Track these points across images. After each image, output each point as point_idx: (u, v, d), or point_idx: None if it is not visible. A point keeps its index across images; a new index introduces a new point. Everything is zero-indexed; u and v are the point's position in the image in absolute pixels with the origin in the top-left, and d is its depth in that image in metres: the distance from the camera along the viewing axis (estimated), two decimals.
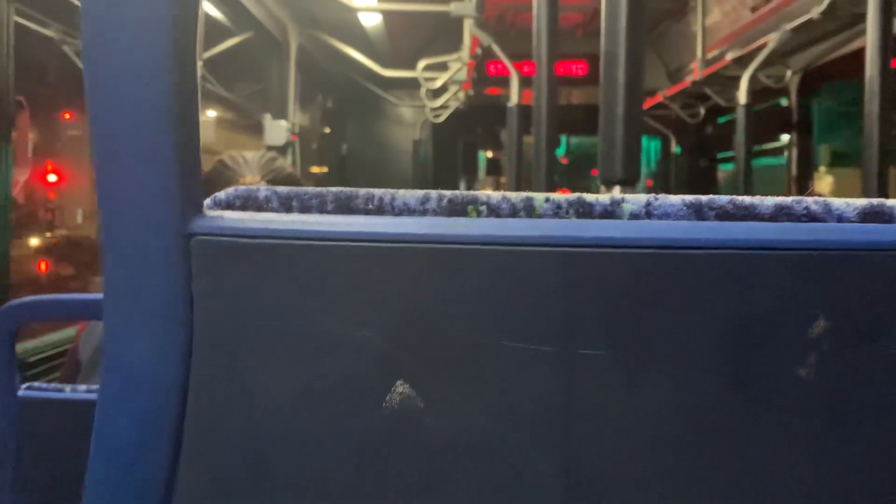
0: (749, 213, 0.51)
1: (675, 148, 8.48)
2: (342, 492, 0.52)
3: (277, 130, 5.48)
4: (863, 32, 3.11)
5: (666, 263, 0.49)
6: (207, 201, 0.57)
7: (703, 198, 0.52)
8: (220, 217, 0.54)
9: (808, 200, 0.51)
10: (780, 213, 0.51)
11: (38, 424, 1.05)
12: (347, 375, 0.52)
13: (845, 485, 0.49)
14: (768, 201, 0.51)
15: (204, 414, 0.54)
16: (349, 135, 8.92)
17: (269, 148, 5.20)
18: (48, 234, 5.45)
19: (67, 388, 1.06)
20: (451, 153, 9.07)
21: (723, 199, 0.52)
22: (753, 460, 0.49)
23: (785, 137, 6.14)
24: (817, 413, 0.49)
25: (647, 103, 6.59)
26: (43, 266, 5.26)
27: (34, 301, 1.06)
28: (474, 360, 0.51)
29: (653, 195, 0.52)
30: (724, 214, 0.51)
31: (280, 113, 5.67)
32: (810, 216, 0.51)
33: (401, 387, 0.51)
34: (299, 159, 5.86)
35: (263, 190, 0.57)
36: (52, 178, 5.01)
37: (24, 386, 1.06)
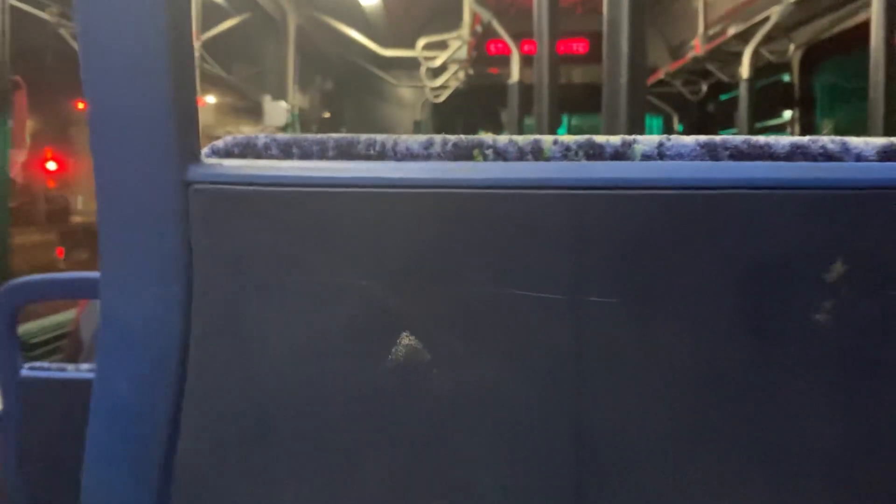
0: (764, 153, 0.50)
1: (677, 126, 8.44)
2: (347, 446, 0.51)
3: (277, 111, 5.45)
4: (867, 5, 3.07)
5: (679, 205, 0.47)
6: (205, 150, 0.55)
7: (717, 138, 0.50)
8: (219, 164, 0.53)
9: (825, 139, 0.50)
10: (796, 153, 0.49)
11: (40, 403, 1.05)
12: (351, 327, 0.50)
13: (862, 432, 0.48)
14: (784, 140, 0.50)
15: (205, 370, 0.52)
16: (349, 116, 8.88)
17: (268, 129, 5.18)
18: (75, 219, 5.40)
19: (70, 367, 1.06)
20: (452, 133, 9.01)
21: (737, 138, 0.50)
22: (769, 408, 0.48)
23: (787, 113, 6.10)
24: (835, 360, 0.47)
25: (649, 81, 6.55)
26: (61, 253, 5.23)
27: (34, 280, 1.05)
28: (481, 310, 0.49)
29: (665, 136, 0.51)
30: (738, 154, 0.50)
31: (279, 94, 5.64)
32: (827, 155, 0.49)
33: (406, 338, 0.50)
34: None
35: (263, 137, 0.55)
36: (51, 165, 4.98)
37: (26, 366, 1.06)
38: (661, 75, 6.62)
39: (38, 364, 1.07)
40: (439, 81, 6.74)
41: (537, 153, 0.51)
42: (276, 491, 0.51)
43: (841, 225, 0.46)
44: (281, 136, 0.55)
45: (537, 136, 0.52)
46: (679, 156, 0.50)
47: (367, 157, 0.53)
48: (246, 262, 0.51)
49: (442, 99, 7.26)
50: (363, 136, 0.54)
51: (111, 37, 0.50)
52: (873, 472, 0.48)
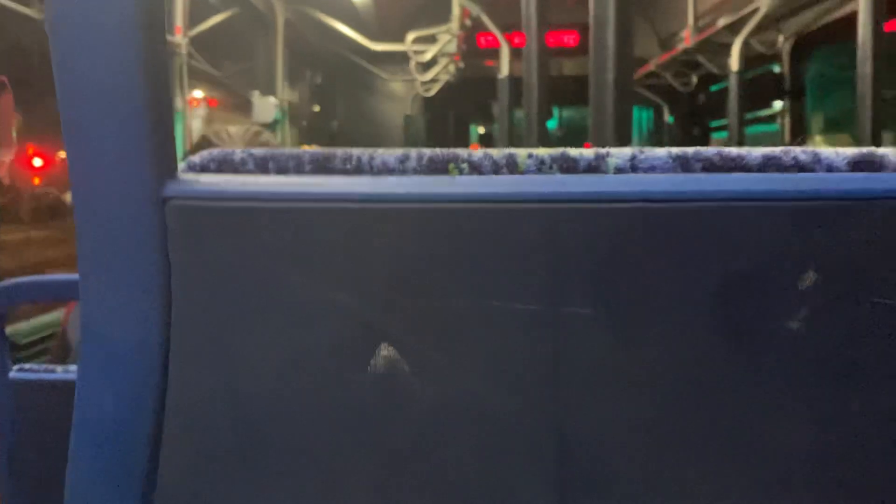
0: (736, 165, 0.50)
1: (667, 117, 8.46)
2: (329, 460, 0.52)
3: (266, 107, 5.44)
4: None
5: (652, 217, 0.48)
6: (182, 165, 0.55)
7: (690, 150, 0.51)
8: (196, 180, 0.53)
9: (797, 150, 0.50)
10: (769, 164, 0.50)
11: (30, 405, 1.05)
12: (331, 340, 0.51)
13: (838, 438, 0.49)
14: (756, 152, 0.50)
15: (186, 385, 0.53)
16: (339, 111, 8.87)
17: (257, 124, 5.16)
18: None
19: (59, 368, 1.05)
20: (443, 127, 9.03)
21: (709, 150, 0.51)
22: (746, 416, 0.49)
23: (778, 104, 6.12)
24: (810, 367, 0.48)
25: (639, 73, 6.55)
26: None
27: (22, 282, 1.05)
28: (459, 322, 0.50)
29: (638, 148, 0.51)
30: (710, 166, 0.50)
31: (268, 90, 5.63)
32: (799, 166, 0.50)
33: (385, 350, 0.50)
34: (289, 136, 5.82)
35: (239, 152, 0.55)
36: (37, 161, 4.94)
37: (15, 367, 1.05)
38: (651, 67, 6.63)
39: (27, 366, 1.07)
40: (429, 75, 6.74)
41: (512, 167, 0.52)
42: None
43: (813, 235, 0.47)
44: (257, 150, 0.55)
45: (512, 150, 0.52)
46: (652, 168, 0.51)
47: (344, 172, 0.53)
48: (225, 277, 0.51)
49: (432, 93, 7.25)
50: (339, 151, 0.54)
51: (85, 52, 0.50)
52: (848, 476, 0.49)
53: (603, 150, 0.51)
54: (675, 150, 0.51)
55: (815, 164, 0.49)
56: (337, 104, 8.82)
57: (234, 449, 0.52)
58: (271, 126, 5.33)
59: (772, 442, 0.49)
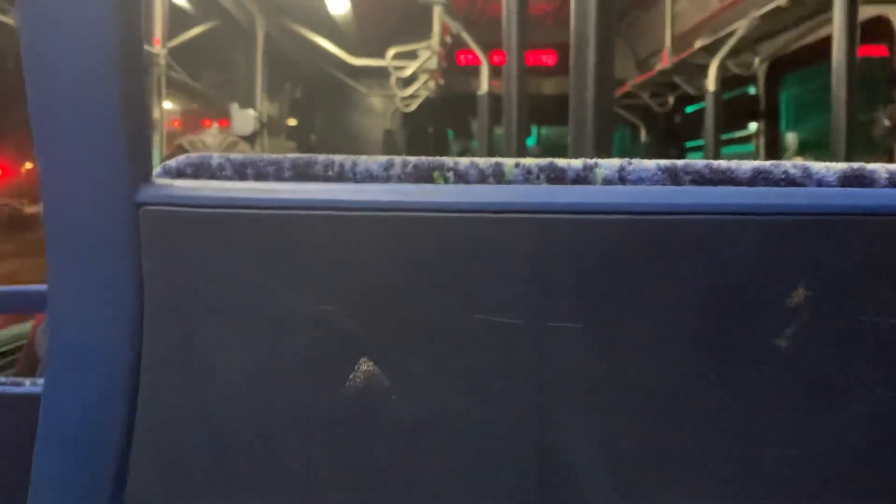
0: (726, 178, 0.50)
1: (644, 138, 8.53)
2: (305, 475, 0.50)
3: (245, 119, 5.41)
4: (830, 20, 3.13)
5: (640, 230, 0.47)
6: (157, 170, 0.54)
7: (679, 162, 0.50)
8: (171, 185, 0.51)
9: (787, 164, 0.50)
10: (758, 178, 0.49)
11: None
12: (309, 352, 0.49)
13: (825, 457, 0.48)
14: (745, 165, 0.50)
15: (157, 396, 0.51)
16: (319, 124, 8.85)
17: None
18: None
19: (27, 381, 1.03)
20: (423, 143, 9.04)
21: (699, 163, 0.50)
22: (731, 434, 0.48)
23: (753, 125, 6.20)
24: (797, 385, 0.48)
25: (617, 93, 6.61)
26: None
27: None
28: (441, 335, 0.49)
29: (626, 160, 0.51)
30: (700, 179, 0.50)
31: (247, 102, 5.60)
32: (789, 180, 0.49)
33: (364, 364, 0.49)
34: (268, 149, 5.79)
35: (217, 157, 0.54)
36: None
37: None
38: (628, 87, 6.69)
39: None
40: (409, 91, 6.74)
41: (499, 176, 0.51)
42: None
43: (802, 250, 0.47)
44: (235, 155, 0.54)
45: (499, 159, 0.51)
46: (640, 180, 0.50)
47: (325, 179, 0.52)
48: (199, 286, 0.50)
49: (412, 108, 7.26)
50: (321, 157, 0.53)
51: (57, 53, 0.48)
52: (834, 495, 0.48)
53: (591, 161, 0.51)
54: (665, 162, 0.50)
55: (806, 179, 0.49)
56: (316, 118, 8.80)
57: (205, 461, 0.50)
58: (250, 138, 5.30)
59: (756, 460, 0.48)
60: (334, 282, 0.49)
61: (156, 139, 3.96)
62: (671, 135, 8.42)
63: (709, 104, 4.99)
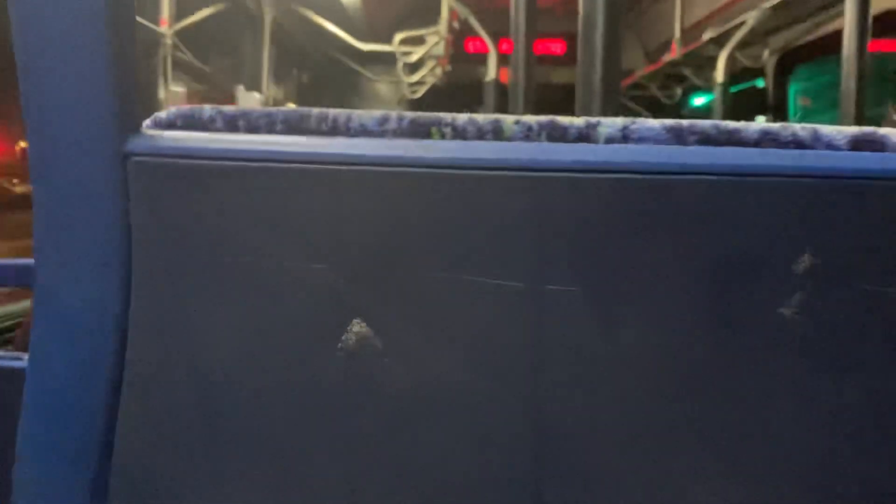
0: (732, 138, 0.48)
1: None
2: (294, 440, 0.49)
3: (250, 102, 5.39)
4: (841, 13, 3.10)
5: (643, 190, 0.46)
6: (147, 121, 0.52)
7: (685, 122, 0.49)
8: (160, 136, 0.49)
9: (796, 126, 0.48)
10: (766, 139, 0.48)
11: None
12: (300, 312, 0.48)
13: (831, 428, 0.47)
14: (753, 126, 0.49)
15: (145, 357, 0.50)
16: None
17: None
18: None
19: (25, 357, 1.03)
20: None
21: (705, 123, 0.49)
22: (735, 405, 0.47)
23: (761, 118, 6.16)
24: (803, 354, 0.46)
25: (624, 83, 6.58)
26: None
27: None
28: (436, 296, 0.47)
29: (630, 118, 0.50)
30: (706, 139, 0.48)
31: (254, 86, 5.58)
32: (797, 143, 0.48)
33: (357, 325, 0.48)
34: None
35: (208, 109, 0.52)
36: None
37: None
38: (636, 78, 6.65)
39: None
40: (416, 77, 6.71)
41: (498, 133, 0.50)
42: (221, 488, 0.49)
43: (809, 214, 0.45)
44: (227, 108, 0.52)
45: (498, 116, 0.50)
46: (644, 139, 0.49)
47: (319, 133, 0.51)
48: (189, 241, 0.49)
49: (419, 95, 7.23)
50: (315, 111, 0.52)
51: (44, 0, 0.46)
52: (842, 467, 0.47)
53: (594, 119, 0.50)
54: (670, 121, 0.49)
55: (815, 142, 0.48)
56: (322, 103, 8.75)
57: (195, 426, 0.49)
58: None
59: (759, 430, 0.47)
60: (327, 239, 0.48)
61: None
62: None
63: (717, 96, 4.96)
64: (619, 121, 0.49)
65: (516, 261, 0.47)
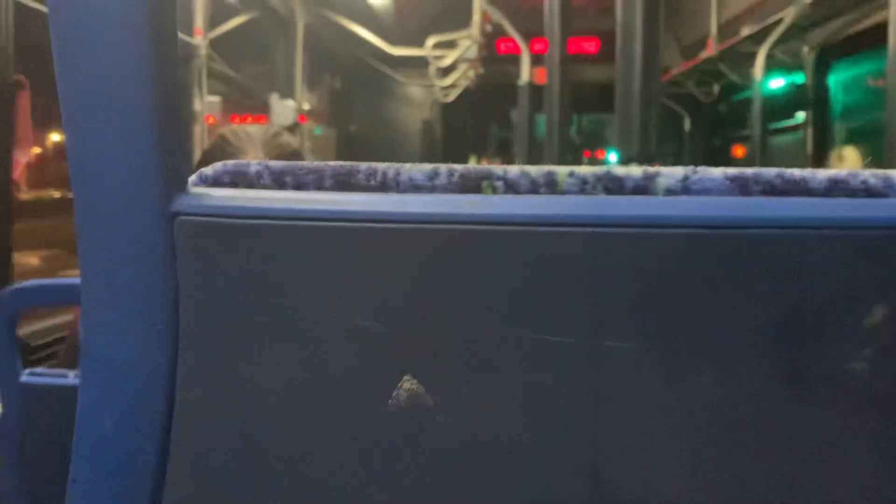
0: (800, 188, 0.46)
1: (687, 127, 8.40)
2: (343, 495, 0.48)
3: (284, 110, 5.44)
4: (885, 6, 3.02)
5: (706, 244, 0.44)
6: (193, 178, 0.52)
7: (748, 171, 0.47)
8: (207, 195, 0.50)
9: (866, 173, 0.46)
10: (835, 188, 0.46)
11: (40, 410, 1.03)
12: (349, 369, 0.47)
13: None
14: (821, 174, 0.46)
15: (193, 410, 0.50)
16: (357, 115, 8.88)
17: None
18: None
19: (71, 374, 1.04)
20: (462, 133, 9.02)
21: (770, 172, 0.47)
22: (802, 465, 0.45)
23: (801, 115, 6.06)
24: (875, 412, 0.44)
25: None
26: None
27: (35, 285, 1.03)
28: (489, 353, 0.46)
29: (691, 168, 0.48)
30: (771, 189, 0.47)
31: (287, 93, 5.63)
32: (868, 191, 0.46)
33: (408, 382, 0.47)
34: (307, 140, 5.82)
35: (255, 165, 0.52)
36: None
37: (26, 371, 1.04)
38: (672, 76, 6.58)
39: (38, 370, 1.05)
40: (449, 80, 6.73)
41: (551, 185, 0.48)
42: None
43: (883, 266, 0.44)
44: (274, 163, 0.52)
45: (551, 168, 0.49)
46: (706, 190, 0.47)
47: (368, 188, 0.50)
48: (236, 299, 0.49)
49: (451, 98, 7.24)
50: (363, 165, 0.51)
51: (89, 51, 0.47)
52: None
53: (652, 170, 0.48)
54: (732, 170, 0.47)
55: (888, 189, 0.46)
56: (355, 108, 8.83)
57: (243, 478, 0.49)
58: (289, 129, 5.34)
59: (830, 492, 0.45)
60: (377, 296, 0.47)
61: (197, 130, 4.00)
62: (716, 124, 8.28)
63: (755, 93, 4.89)
64: (679, 171, 0.47)
65: (573, 317, 0.46)
